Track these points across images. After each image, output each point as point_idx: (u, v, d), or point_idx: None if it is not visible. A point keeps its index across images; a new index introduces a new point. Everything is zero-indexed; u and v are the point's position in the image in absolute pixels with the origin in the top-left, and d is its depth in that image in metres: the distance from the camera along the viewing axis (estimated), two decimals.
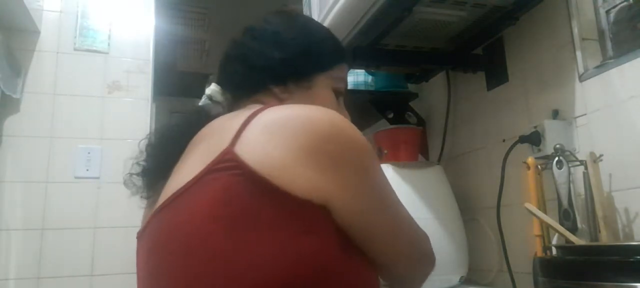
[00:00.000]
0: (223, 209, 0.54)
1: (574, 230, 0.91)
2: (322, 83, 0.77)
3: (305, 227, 0.55)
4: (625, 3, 0.96)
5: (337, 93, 0.79)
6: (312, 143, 0.56)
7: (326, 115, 0.60)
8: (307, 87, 0.75)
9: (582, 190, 0.91)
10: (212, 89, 0.79)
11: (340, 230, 0.59)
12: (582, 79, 0.99)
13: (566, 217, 0.93)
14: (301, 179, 0.55)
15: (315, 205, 0.56)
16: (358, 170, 0.60)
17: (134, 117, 1.84)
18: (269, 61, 0.74)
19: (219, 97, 0.78)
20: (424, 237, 0.73)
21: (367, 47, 1.20)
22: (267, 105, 0.65)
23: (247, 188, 0.54)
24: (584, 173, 0.89)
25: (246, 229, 0.53)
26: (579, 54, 1.00)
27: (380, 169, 0.64)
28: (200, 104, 0.79)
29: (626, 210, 0.88)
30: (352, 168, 0.59)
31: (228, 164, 0.55)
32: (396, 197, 0.66)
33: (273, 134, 0.57)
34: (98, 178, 1.74)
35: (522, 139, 1.04)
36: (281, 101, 0.73)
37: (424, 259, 0.73)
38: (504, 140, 1.19)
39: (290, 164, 0.55)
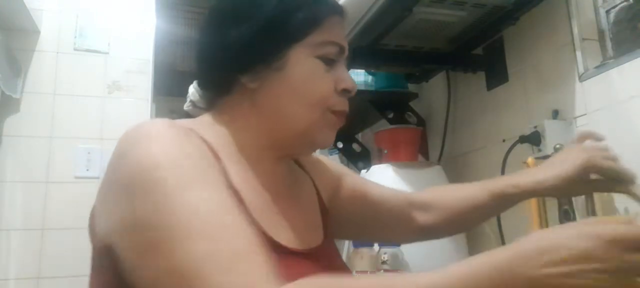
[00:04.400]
0: None
1: None
2: (299, 56, 0.61)
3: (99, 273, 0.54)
4: (625, 3, 0.96)
5: (326, 59, 0.63)
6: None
7: (126, 134, 0.54)
8: (278, 68, 0.61)
9: None
10: (191, 91, 0.71)
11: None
12: (582, 79, 0.99)
13: (566, 216, 0.93)
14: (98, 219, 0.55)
15: (103, 246, 0.52)
16: (123, 196, 0.50)
17: (134, 117, 1.84)
18: (225, 46, 0.61)
19: (199, 100, 0.70)
20: None
21: (367, 47, 1.20)
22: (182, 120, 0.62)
23: None
24: None
25: None
26: (579, 54, 1.00)
27: (171, 197, 0.47)
28: (185, 107, 0.72)
29: (626, 210, 0.88)
30: (119, 195, 0.51)
31: None
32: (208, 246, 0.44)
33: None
34: (98, 178, 1.74)
35: (522, 139, 1.04)
36: (252, 92, 0.62)
37: None
38: (504, 140, 1.19)
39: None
